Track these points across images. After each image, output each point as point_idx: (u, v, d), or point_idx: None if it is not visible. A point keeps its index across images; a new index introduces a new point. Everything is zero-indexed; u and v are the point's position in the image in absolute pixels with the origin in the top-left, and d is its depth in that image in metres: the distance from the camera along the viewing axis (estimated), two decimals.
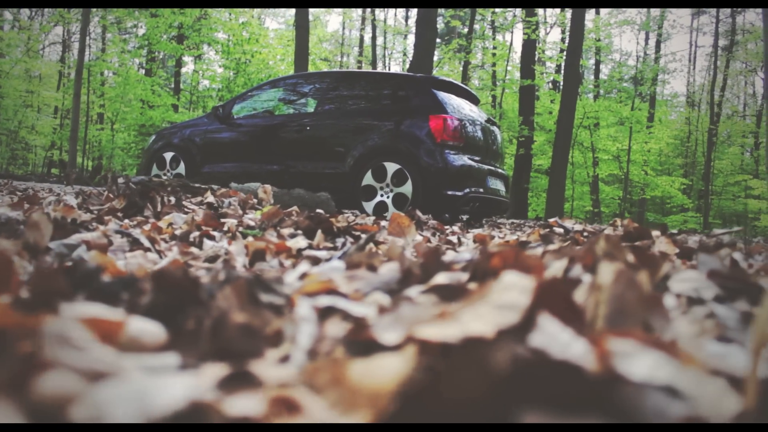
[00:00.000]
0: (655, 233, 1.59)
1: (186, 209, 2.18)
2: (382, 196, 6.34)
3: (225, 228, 1.69)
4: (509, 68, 23.50)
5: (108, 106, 22.46)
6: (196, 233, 1.51)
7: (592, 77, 28.39)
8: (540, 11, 28.97)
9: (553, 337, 0.37)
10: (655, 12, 27.37)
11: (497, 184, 6.89)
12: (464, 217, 7.39)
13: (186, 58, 23.47)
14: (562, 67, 18.20)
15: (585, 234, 1.92)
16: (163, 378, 0.31)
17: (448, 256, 0.78)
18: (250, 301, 0.51)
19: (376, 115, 6.61)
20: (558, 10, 25.05)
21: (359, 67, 29.78)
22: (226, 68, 20.67)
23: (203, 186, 2.92)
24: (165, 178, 7.64)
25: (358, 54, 30.78)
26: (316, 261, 1.08)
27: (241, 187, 3.36)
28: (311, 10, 30.43)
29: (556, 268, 0.71)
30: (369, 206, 6.33)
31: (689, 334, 0.52)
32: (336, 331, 0.46)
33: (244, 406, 0.29)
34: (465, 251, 0.96)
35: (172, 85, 23.51)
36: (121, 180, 2.32)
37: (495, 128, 7.24)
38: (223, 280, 0.55)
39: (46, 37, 27.97)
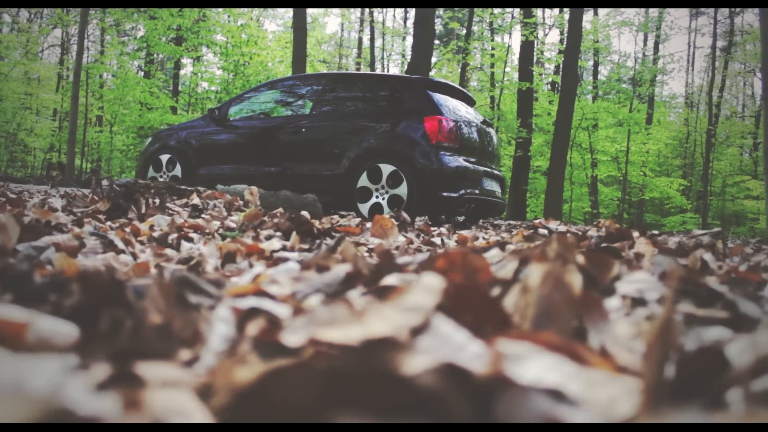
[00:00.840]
0: (635, 234, 1.59)
1: (170, 211, 2.18)
2: (377, 197, 6.33)
3: (207, 230, 1.69)
4: (508, 70, 23.53)
5: (107, 109, 22.47)
6: (175, 235, 1.51)
7: (591, 78, 28.41)
8: (539, 13, 29.01)
9: (445, 340, 0.37)
10: (654, 13, 27.40)
11: (493, 186, 6.88)
12: (460, 219, 7.39)
13: (185, 60, 23.50)
14: (560, 69, 18.21)
15: (568, 235, 1.91)
16: (32, 378, 0.30)
17: (405, 258, 0.78)
18: (177, 303, 0.51)
19: (372, 116, 6.61)
20: (557, 11, 25.09)
21: (358, 69, 29.80)
22: (225, 70, 20.68)
23: (189, 188, 2.91)
24: (161, 180, 7.66)
25: (356, 56, 30.81)
26: (285, 262, 1.08)
27: (227, 189, 3.36)
28: (310, 12, 30.53)
29: (507, 269, 0.71)
30: (364, 208, 6.33)
31: (624, 336, 0.52)
32: (253, 333, 0.46)
33: (96, 406, 0.29)
34: (422, 253, 0.96)
35: (171, 88, 23.53)
36: (105, 182, 2.31)
37: (490, 129, 7.24)
38: (152, 281, 0.55)
39: (45, 39, 28.01)
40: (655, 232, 1.86)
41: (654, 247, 1.45)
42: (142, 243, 1.42)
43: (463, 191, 6.28)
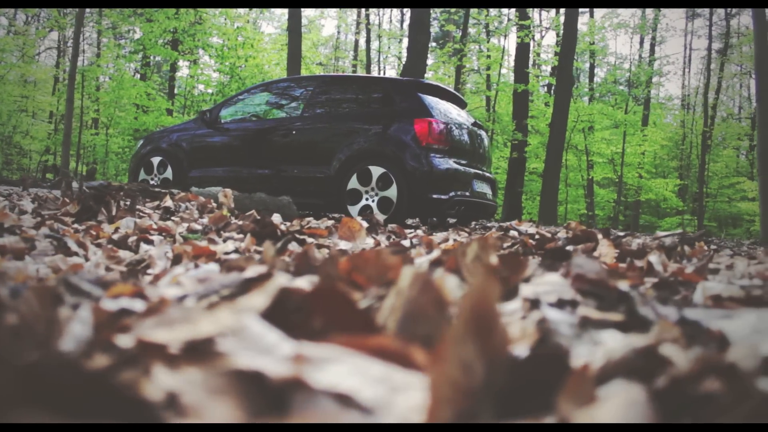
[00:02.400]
0: (599, 236, 1.59)
1: (141, 213, 2.18)
2: (367, 199, 6.33)
3: (172, 232, 1.69)
4: (504, 72, 23.56)
5: (102, 111, 22.47)
6: (134, 238, 1.51)
7: (588, 81, 28.45)
8: (535, 15, 29.05)
9: (251, 342, 0.37)
10: (650, 15, 27.45)
11: (484, 188, 6.88)
12: (451, 221, 7.39)
13: (181, 63, 23.49)
14: (556, 70, 18.25)
15: (536, 237, 1.92)
16: None
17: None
18: (51, 304, 0.51)
19: (362, 118, 6.61)
20: (553, 13, 25.13)
21: (354, 71, 29.82)
22: (221, 73, 20.68)
23: (163, 190, 2.90)
24: (152, 182, 7.66)
25: (353, 58, 30.83)
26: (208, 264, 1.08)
27: (201, 191, 3.36)
28: (307, 14, 30.55)
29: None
30: (354, 210, 6.33)
31: (511, 335, 0.51)
32: (106, 333, 0.46)
33: None
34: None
35: (167, 90, 23.53)
36: (75, 184, 2.30)
37: (481, 132, 7.24)
38: (33, 282, 0.55)
39: (42, 42, 27.99)
40: (621, 233, 1.86)
41: (616, 248, 1.46)
42: (100, 245, 1.42)
43: (453, 193, 6.28)
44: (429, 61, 29.37)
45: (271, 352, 0.35)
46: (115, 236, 1.50)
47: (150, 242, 1.49)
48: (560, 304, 0.62)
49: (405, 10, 28.96)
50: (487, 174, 7.09)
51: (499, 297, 0.39)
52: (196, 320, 0.38)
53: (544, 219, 15.95)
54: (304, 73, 19.01)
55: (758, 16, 12.42)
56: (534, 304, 0.61)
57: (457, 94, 7.40)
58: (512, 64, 22.00)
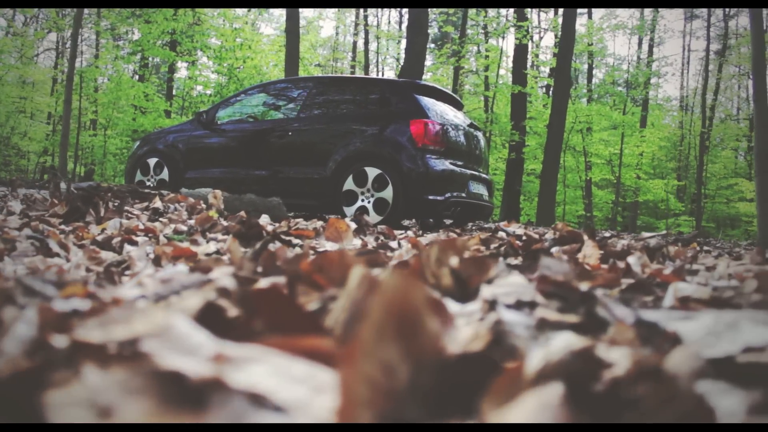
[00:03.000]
0: (585, 237, 1.59)
1: (129, 214, 2.18)
2: (363, 201, 6.33)
3: (158, 233, 1.69)
4: (502, 72, 23.57)
5: (101, 112, 22.47)
6: (118, 238, 1.51)
7: (586, 82, 28.48)
8: (534, 17, 29.07)
9: (177, 342, 0.37)
10: (648, 16, 27.47)
11: (480, 189, 6.88)
12: (447, 222, 7.39)
13: (179, 64, 23.51)
14: (554, 72, 18.27)
15: (523, 238, 1.92)
16: None
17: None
18: (6, 303, 0.51)
19: (358, 119, 6.61)
20: (551, 14, 25.15)
21: (353, 73, 29.82)
22: (219, 74, 20.68)
23: (153, 191, 2.90)
24: (148, 184, 7.65)
25: (351, 59, 30.84)
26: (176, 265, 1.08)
27: (191, 192, 3.36)
28: (305, 15, 30.54)
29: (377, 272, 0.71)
30: (350, 211, 6.33)
31: (457, 340, 0.51)
32: (48, 335, 0.46)
33: None
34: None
35: (165, 91, 23.53)
36: (63, 185, 2.30)
37: (478, 133, 7.24)
38: None
39: (40, 43, 28.00)
40: (607, 234, 1.86)
41: (600, 249, 1.46)
42: (83, 246, 1.42)
43: (449, 194, 6.28)
44: (427, 63, 29.40)
45: (194, 352, 0.35)
46: (100, 237, 1.50)
47: (135, 243, 1.49)
48: (519, 305, 0.62)
49: (404, 11, 28.99)
50: (484, 175, 7.09)
51: (425, 297, 0.39)
52: (131, 321, 0.38)
53: (541, 220, 15.95)
54: (302, 74, 19.02)
55: (755, 17, 12.42)
56: (492, 305, 0.61)
57: (453, 95, 7.40)
58: (511, 65, 22.02)
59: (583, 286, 0.67)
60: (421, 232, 3.40)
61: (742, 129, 30.04)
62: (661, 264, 1.33)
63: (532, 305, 0.62)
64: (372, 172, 6.28)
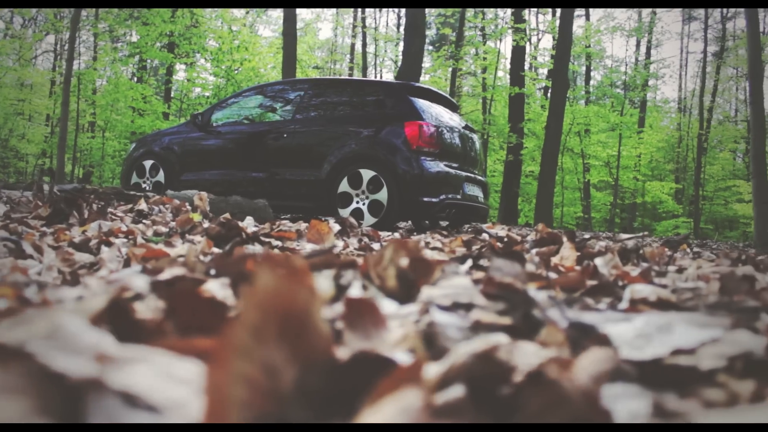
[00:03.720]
0: (564, 238, 1.59)
1: (113, 216, 2.18)
2: (357, 203, 6.33)
3: (141, 234, 1.69)
4: (500, 75, 23.58)
5: (99, 114, 22.47)
6: (96, 241, 1.51)
7: (585, 83, 28.51)
8: (532, 19, 29.09)
9: (65, 343, 0.37)
10: (646, 18, 27.51)
11: (475, 191, 6.88)
12: (443, 224, 7.39)
13: (177, 66, 23.50)
14: (551, 73, 18.29)
15: (505, 240, 1.92)
16: None
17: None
18: None
19: (353, 122, 6.61)
20: (549, 17, 25.18)
21: (351, 75, 29.84)
22: (217, 76, 20.69)
23: (138, 193, 2.90)
24: (144, 186, 7.65)
25: (349, 61, 30.86)
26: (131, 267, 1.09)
27: (176, 194, 3.36)
28: (303, 17, 30.51)
29: (325, 275, 0.71)
30: (345, 213, 6.33)
31: (387, 342, 0.51)
32: None
33: None
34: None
35: (163, 93, 23.54)
36: (46, 187, 2.31)
37: (473, 135, 7.25)
38: None
39: (39, 45, 28.02)
40: (587, 236, 1.86)
41: (578, 251, 1.46)
42: (59, 248, 1.42)
43: (443, 196, 6.28)
44: (426, 64, 29.43)
45: (81, 353, 0.35)
46: (78, 239, 1.50)
47: (110, 245, 1.49)
48: (455, 307, 0.62)
49: (401, 14, 29.02)
50: (479, 177, 7.09)
51: (314, 299, 0.39)
52: (27, 322, 0.39)
53: (539, 222, 15.96)
54: (299, 76, 19.05)
55: (752, 18, 12.44)
56: (428, 307, 0.61)
57: (448, 97, 7.40)
58: (509, 66, 22.03)
59: (531, 288, 0.67)
60: (409, 234, 3.40)
61: (740, 131, 30.06)
62: (636, 266, 1.32)
63: (468, 307, 0.63)
64: (367, 174, 6.28)
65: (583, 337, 0.55)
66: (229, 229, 1.62)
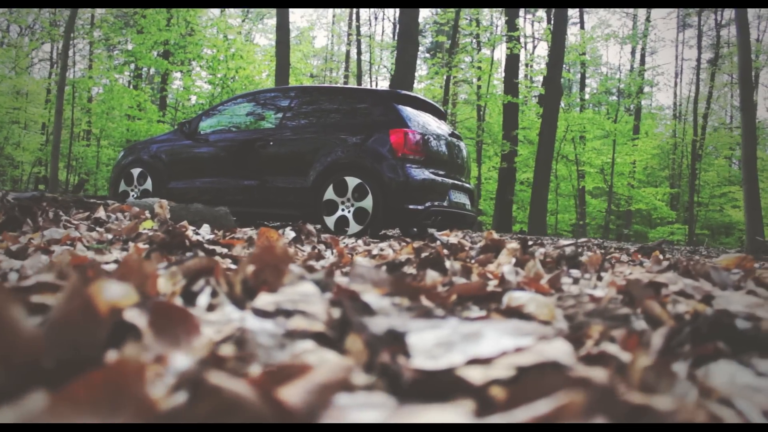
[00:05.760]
0: (510, 244, 1.59)
1: (68, 224, 2.18)
2: (343, 210, 6.32)
3: (85, 241, 1.69)
4: (496, 83, 23.64)
5: (94, 122, 22.49)
6: (33, 249, 1.50)
7: (579, 90, 28.59)
8: (527, 27, 29.18)
9: None
10: (640, 24, 27.62)
11: (461, 198, 6.87)
12: (430, 231, 7.38)
13: (174, 75, 23.54)
14: (545, 81, 18.33)
15: (457, 244, 1.93)
16: None
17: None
18: None
19: (338, 129, 6.62)
20: (544, 24, 25.28)
21: (345, 83, 29.91)
22: (212, 84, 20.74)
23: (98, 201, 2.90)
24: (131, 194, 7.64)
25: (344, 69, 30.96)
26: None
27: (137, 202, 3.37)
28: (297, 26, 30.57)
29: (174, 278, 0.70)
30: (330, 221, 6.33)
31: (195, 347, 0.51)
32: None
33: None
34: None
35: (158, 102, 23.57)
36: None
37: (460, 142, 7.25)
38: None
39: (36, 53, 28.09)
40: (531, 242, 1.86)
41: (513, 257, 1.45)
42: None
43: (429, 204, 6.27)
44: (422, 72, 29.51)
45: None
46: (14, 247, 1.50)
47: (48, 252, 1.49)
48: (277, 313, 0.62)
49: (397, 21, 29.11)
50: (466, 184, 7.08)
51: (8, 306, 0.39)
52: None
53: (533, 229, 15.96)
54: (293, 84, 19.08)
55: (742, 25, 12.51)
56: (262, 314, 0.61)
57: (435, 104, 7.41)
58: (504, 74, 22.08)
59: (374, 296, 0.66)
60: (369, 241, 3.39)
61: (735, 137, 30.12)
62: (562, 273, 1.31)
63: (289, 314, 0.62)
64: (352, 182, 6.28)
65: (381, 345, 0.55)
66: (174, 237, 1.62)
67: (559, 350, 0.51)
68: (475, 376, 0.46)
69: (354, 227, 6.20)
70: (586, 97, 28.05)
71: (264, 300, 0.65)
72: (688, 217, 25.46)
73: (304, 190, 6.52)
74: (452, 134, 7.17)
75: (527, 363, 0.49)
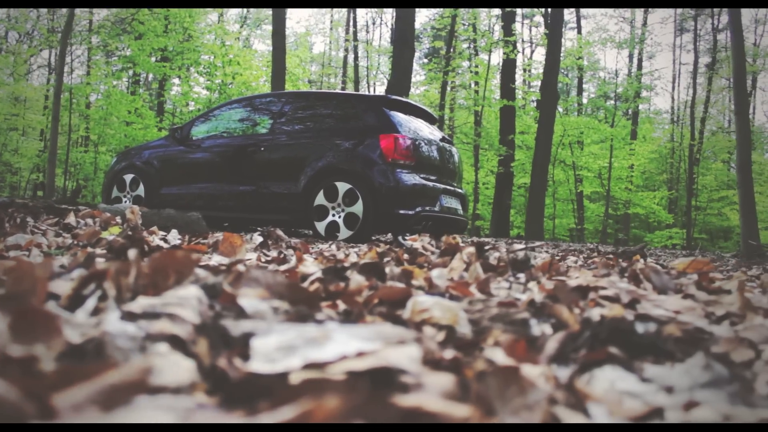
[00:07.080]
0: (468, 249, 1.58)
1: (36, 230, 2.18)
2: (333, 215, 6.32)
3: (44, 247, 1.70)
4: (492, 87, 23.67)
5: (92, 128, 22.52)
6: None
7: (577, 95, 28.62)
8: (525, 31, 29.24)
9: None
10: (637, 29, 27.67)
11: (453, 203, 6.86)
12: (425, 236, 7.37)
13: (172, 81, 23.59)
14: (541, 85, 18.34)
15: (417, 248, 1.93)
16: None
17: None
18: None
19: (329, 135, 6.62)
20: (542, 29, 25.33)
21: (343, 88, 29.95)
22: (210, 90, 20.78)
23: (69, 207, 2.90)
24: (124, 200, 7.64)
25: (342, 75, 31.00)
26: None
27: (108, 207, 3.36)
28: (295, 31, 30.59)
29: (73, 280, 0.71)
30: (321, 226, 6.32)
31: (54, 347, 0.51)
32: None
33: None
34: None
35: (156, 108, 23.60)
36: None
37: (451, 147, 7.25)
38: None
39: (34, 60, 28.15)
40: (488, 246, 1.86)
41: (464, 262, 1.45)
42: None
43: (419, 209, 6.27)
44: (420, 77, 29.55)
45: None
46: None
47: (5, 258, 1.49)
48: (146, 316, 0.62)
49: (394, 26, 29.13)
50: (458, 189, 7.07)
51: None
52: None
53: (530, 233, 15.95)
54: (290, 89, 19.11)
55: (736, 28, 12.52)
56: (130, 316, 0.61)
57: (427, 109, 7.41)
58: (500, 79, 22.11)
59: (252, 300, 0.67)
60: (348, 243, 3.39)
61: (732, 141, 30.12)
62: (502, 276, 1.32)
63: (155, 316, 0.63)
64: (342, 187, 6.28)
65: (223, 348, 0.55)
66: (133, 242, 1.62)
67: (404, 356, 0.51)
68: (296, 379, 0.47)
69: (345, 232, 6.20)
70: (584, 101, 28.10)
71: (138, 303, 0.65)
72: (686, 221, 25.44)
73: (296, 196, 6.52)
74: (444, 139, 7.17)
75: (361, 368, 0.49)
